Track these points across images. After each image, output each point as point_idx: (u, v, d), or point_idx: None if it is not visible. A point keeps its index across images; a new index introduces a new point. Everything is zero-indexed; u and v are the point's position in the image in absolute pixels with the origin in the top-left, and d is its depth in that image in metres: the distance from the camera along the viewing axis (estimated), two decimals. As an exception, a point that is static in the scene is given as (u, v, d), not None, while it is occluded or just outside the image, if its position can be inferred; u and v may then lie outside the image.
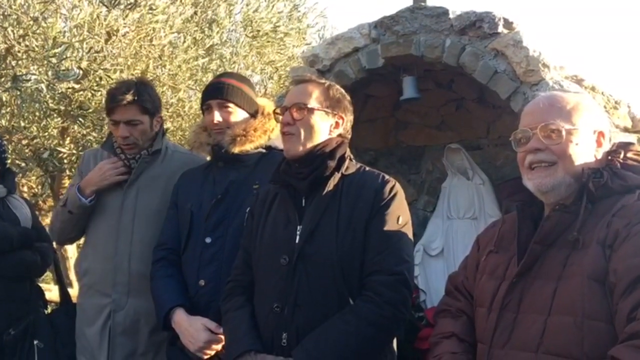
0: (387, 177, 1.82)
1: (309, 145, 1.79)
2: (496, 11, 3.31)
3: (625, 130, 3.37)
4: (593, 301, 1.32)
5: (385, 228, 1.72)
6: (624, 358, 1.21)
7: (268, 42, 6.31)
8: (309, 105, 1.80)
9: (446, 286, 1.78)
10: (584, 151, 1.48)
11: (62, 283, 2.96)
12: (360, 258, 1.72)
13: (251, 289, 1.87)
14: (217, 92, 2.20)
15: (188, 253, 2.15)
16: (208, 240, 2.11)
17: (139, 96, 2.35)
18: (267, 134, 2.23)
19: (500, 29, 3.28)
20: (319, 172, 1.77)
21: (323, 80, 1.91)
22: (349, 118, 1.90)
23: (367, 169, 1.87)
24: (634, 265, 1.28)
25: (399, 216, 1.76)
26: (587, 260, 1.36)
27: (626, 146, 1.51)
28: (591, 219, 1.41)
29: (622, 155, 1.48)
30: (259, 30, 6.16)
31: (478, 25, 3.32)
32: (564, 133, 1.45)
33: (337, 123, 1.85)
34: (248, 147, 2.18)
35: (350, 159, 1.85)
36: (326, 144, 1.81)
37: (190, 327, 2.01)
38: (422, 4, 3.59)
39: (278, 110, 1.90)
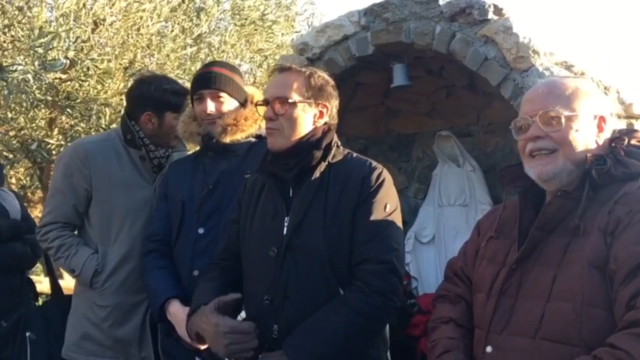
0: (374, 163, 1.80)
1: (293, 138, 1.76)
2: (486, -3, 3.30)
3: (616, 116, 3.39)
4: (592, 288, 1.31)
5: (372, 216, 1.70)
6: (623, 346, 1.21)
7: (256, 30, 6.27)
8: (290, 100, 1.75)
9: (445, 271, 1.77)
10: (585, 137, 1.45)
11: (53, 275, 2.95)
12: (348, 248, 1.70)
13: (230, 273, 1.88)
14: (209, 81, 2.17)
15: (180, 244, 2.14)
16: (201, 231, 2.10)
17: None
18: (258, 122, 2.21)
19: (490, 15, 3.27)
20: (305, 162, 1.75)
21: (304, 69, 1.85)
22: (334, 104, 1.85)
23: (355, 155, 1.84)
24: (634, 252, 1.28)
25: (387, 204, 1.74)
26: (588, 247, 1.35)
27: (630, 133, 1.49)
28: (593, 206, 1.40)
29: (625, 142, 1.46)
30: (246, 18, 6.12)
31: (468, 12, 3.31)
32: (563, 120, 1.43)
33: (321, 112, 1.81)
34: (239, 136, 2.17)
35: (338, 146, 1.82)
36: (312, 134, 1.78)
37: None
38: (412, -10, 3.58)
39: (260, 102, 1.85)
